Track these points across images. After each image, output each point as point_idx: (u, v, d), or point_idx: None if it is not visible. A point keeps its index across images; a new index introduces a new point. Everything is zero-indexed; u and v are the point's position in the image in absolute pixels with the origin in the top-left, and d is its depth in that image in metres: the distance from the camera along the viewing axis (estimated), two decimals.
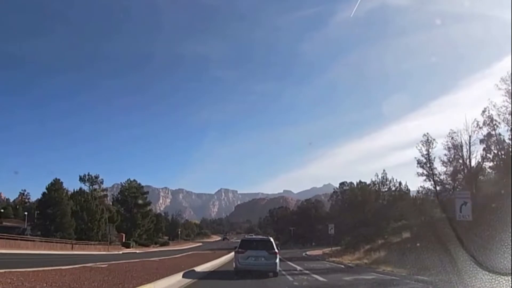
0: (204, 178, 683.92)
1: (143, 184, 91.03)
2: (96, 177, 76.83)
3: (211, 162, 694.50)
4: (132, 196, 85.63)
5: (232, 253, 44.44)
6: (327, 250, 55.46)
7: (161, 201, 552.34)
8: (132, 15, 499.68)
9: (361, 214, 50.19)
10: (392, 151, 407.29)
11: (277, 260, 18.24)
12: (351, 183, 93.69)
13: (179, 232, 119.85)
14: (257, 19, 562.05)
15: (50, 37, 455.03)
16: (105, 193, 79.18)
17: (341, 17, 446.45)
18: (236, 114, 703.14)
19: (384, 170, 52.29)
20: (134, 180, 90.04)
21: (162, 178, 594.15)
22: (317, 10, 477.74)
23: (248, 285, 15.83)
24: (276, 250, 18.56)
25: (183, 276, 15.47)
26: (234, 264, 18.93)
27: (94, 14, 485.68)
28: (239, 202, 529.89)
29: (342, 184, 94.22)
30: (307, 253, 54.29)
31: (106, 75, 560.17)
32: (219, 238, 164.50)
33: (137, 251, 59.49)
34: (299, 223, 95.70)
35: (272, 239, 19.80)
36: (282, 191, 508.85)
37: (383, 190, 51.63)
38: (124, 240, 73.53)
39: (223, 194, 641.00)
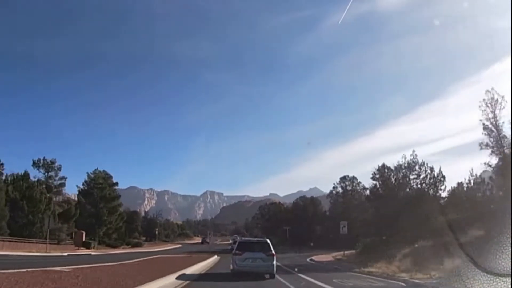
0: (190, 180, 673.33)
1: (128, 185, 78.48)
2: (53, 162, 63.40)
3: (197, 164, 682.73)
4: (99, 188, 72.36)
5: (214, 257, 34.57)
6: (338, 254, 43.74)
7: (146, 202, 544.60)
8: (127, 17, 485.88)
9: (385, 208, 38.33)
10: (384, 154, 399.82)
11: (275, 262, 18.39)
12: (354, 177, 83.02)
13: (157, 233, 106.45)
14: (252, 21, 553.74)
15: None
16: (63, 181, 65.63)
17: (335, 19, 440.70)
18: (224, 116, 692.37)
19: (414, 151, 40.25)
20: (104, 170, 77.11)
21: (148, 179, 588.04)
22: (312, 12, 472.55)
23: None
24: (274, 252, 18.65)
25: None
26: (231, 265, 18.81)
27: (88, 15, 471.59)
28: (224, 204, 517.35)
29: (343, 178, 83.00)
30: (313, 258, 41.75)
31: (102, 75, 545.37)
32: None
33: (93, 253, 46.63)
34: (294, 222, 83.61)
35: (269, 241, 19.49)
36: (268, 194, 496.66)
37: (412, 177, 39.77)
38: (84, 238, 60.48)
39: (208, 196, 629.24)
